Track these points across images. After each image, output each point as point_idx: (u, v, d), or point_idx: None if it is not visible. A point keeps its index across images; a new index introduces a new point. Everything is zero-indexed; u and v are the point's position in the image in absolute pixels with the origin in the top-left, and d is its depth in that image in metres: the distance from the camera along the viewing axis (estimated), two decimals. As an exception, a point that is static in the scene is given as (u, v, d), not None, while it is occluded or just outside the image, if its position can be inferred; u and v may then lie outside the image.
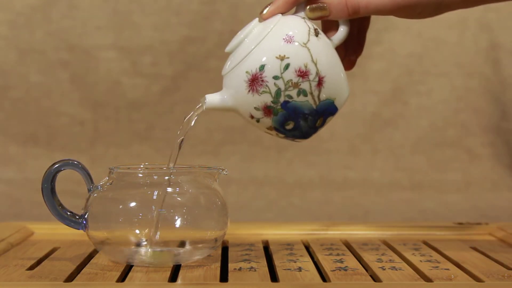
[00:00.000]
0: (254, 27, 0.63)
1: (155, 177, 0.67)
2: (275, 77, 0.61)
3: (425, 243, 0.78)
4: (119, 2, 1.43)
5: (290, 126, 0.64)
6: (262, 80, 0.61)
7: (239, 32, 0.65)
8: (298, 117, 0.63)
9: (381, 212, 1.24)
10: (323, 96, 0.63)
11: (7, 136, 1.40)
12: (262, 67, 0.61)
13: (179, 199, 0.66)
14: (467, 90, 1.45)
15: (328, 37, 0.65)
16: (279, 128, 0.64)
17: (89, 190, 0.67)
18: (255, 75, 0.61)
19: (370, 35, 1.54)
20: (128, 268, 0.65)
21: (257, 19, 0.65)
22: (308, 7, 0.64)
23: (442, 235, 0.83)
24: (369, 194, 1.35)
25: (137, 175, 0.67)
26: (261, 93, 0.61)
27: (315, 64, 0.62)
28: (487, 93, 1.45)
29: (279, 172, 1.40)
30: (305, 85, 0.62)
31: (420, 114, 1.45)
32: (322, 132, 1.43)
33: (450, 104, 1.45)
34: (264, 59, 0.61)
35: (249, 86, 0.61)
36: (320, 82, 0.62)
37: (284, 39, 0.61)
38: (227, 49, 0.64)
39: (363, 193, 1.36)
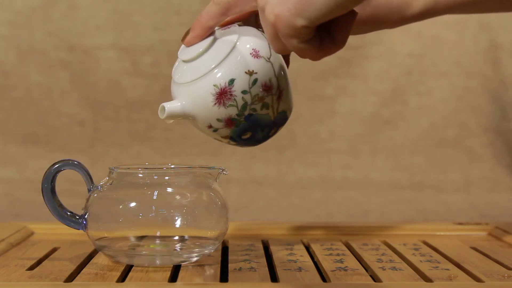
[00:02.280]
0: (215, 36, 0.63)
1: (155, 177, 0.67)
2: (244, 92, 0.62)
3: (425, 243, 0.78)
4: (119, 2, 1.43)
5: (247, 136, 0.65)
6: (231, 94, 0.61)
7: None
8: (257, 128, 0.64)
9: (381, 212, 1.24)
10: (280, 108, 0.64)
11: (7, 136, 1.40)
12: (231, 82, 0.61)
13: (179, 199, 0.66)
14: (467, 90, 1.45)
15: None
16: (235, 138, 0.65)
17: (89, 190, 0.67)
18: (223, 89, 0.61)
19: (370, 35, 1.54)
20: (128, 268, 0.65)
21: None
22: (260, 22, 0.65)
23: (442, 235, 0.83)
24: (369, 194, 1.35)
25: (137, 175, 0.67)
26: (227, 106, 0.62)
27: (277, 79, 0.63)
28: (487, 93, 1.45)
29: (279, 172, 1.40)
30: (268, 99, 0.63)
31: (420, 114, 1.45)
32: (322, 132, 1.45)
33: (450, 104, 1.45)
34: (233, 73, 0.61)
35: (216, 99, 0.62)
36: (280, 96, 0.64)
37: (251, 54, 0.62)
38: (185, 57, 0.63)
39: (363, 193, 1.36)
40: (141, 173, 0.67)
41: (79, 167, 0.66)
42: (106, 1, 1.43)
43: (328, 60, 1.44)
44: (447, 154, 1.43)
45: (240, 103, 0.62)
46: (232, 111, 0.62)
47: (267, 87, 0.62)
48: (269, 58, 0.63)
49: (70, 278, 0.62)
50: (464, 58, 1.45)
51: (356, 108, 1.45)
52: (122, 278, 0.62)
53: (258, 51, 0.62)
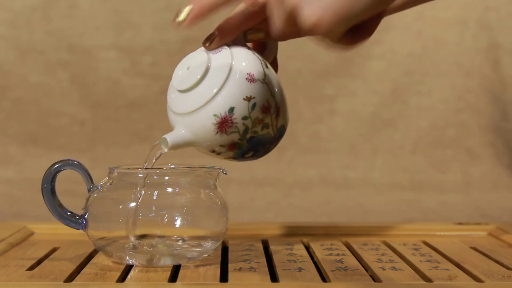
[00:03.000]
0: (208, 63, 0.63)
1: (155, 177, 0.67)
2: (244, 118, 0.62)
3: (425, 243, 0.78)
4: (119, 2, 1.43)
5: (249, 155, 0.65)
6: (232, 122, 0.62)
7: (185, 64, 0.64)
8: (258, 147, 0.65)
9: (381, 212, 1.24)
10: (279, 124, 0.65)
11: (7, 136, 1.40)
12: (231, 110, 0.62)
13: (179, 199, 0.66)
14: (467, 90, 1.45)
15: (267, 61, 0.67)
16: (238, 158, 0.65)
17: (89, 190, 0.67)
18: (224, 118, 0.62)
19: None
20: (128, 268, 0.65)
21: (203, 51, 0.64)
22: (247, 33, 0.65)
23: (442, 235, 0.83)
24: (369, 194, 1.35)
25: (137, 175, 0.67)
26: (229, 134, 0.62)
27: (273, 97, 0.63)
28: (487, 93, 1.45)
29: (279, 172, 1.40)
30: (268, 119, 0.64)
31: (420, 114, 1.45)
32: (322, 132, 1.44)
33: (450, 104, 1.45)
34: (232, 102, 0.62)
35: (218, 128, 0.62)
36: (278, 113, 0.64)
37: (247, 79, 0.62)
38: (181, 87, 0.63)
39: (363, 193, 1.36)
40: (141, 173, 0.67)
41: (79, 167, 0.66)
42: (106, 1, 1.43)
43: (328, 60, 1.44)
44: (447, 154, 1.43)
45: (242, 128, 0.62)
46: (235, 137, 0.63)
47: (265, 109, 0.63)
48: (264, 80, 0.63)
49: (70, 278, 0.62)
50: (464, 58, 1.45)
51: (356, 108, 1.45)
52: (122, 278, 0.62)
53: (253, 74, 0.62)
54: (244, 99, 0.62)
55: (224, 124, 0.62)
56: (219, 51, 0.64)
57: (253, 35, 0.66)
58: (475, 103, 1.45)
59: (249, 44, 0.67)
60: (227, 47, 0.64)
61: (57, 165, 0.66)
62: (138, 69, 1.43)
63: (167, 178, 0.67)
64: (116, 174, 0.67)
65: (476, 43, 1.45)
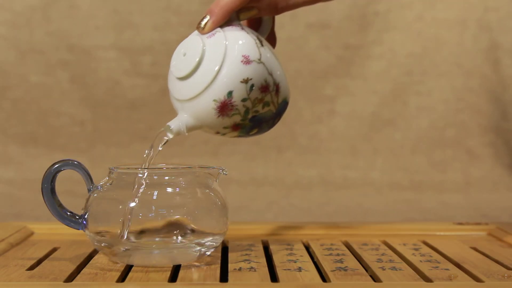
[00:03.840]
0: (204, 48, 0.63)
1: (155, 177, 0.67)
2: (243, 100, 0.63)
3: (425, 243, 0.78)
4: (119, 2, 1.43)
5: (254, 132, 0.67)
6: (232, 105, 0.63)
7: (182, 51, 0.65)
8: (262, 124, 0.66)
9: (381, 212, 1.24)
10: (280, 99, 0.66)
11: (7, 136, 1.40)
12: (230, 94, 0.63)
13: (179, 199, 0.66)
14: (467, 90, 1.45)
15: (263, 37, 0.68)
16: (244, 136, 0.67)
17: (89, 190, 0.67)
18: (223, 102, 0.63)
19: (370, 35, 1.54)
20: (128, 268, 0.65)
21: (197, 36, 0.65)
22: (239, 12, 0.66)
23: (442, 235, 0.83)
24: (369, 194, 1.35)
25: (137, 175, 0.67)
26: (231, 116, 0.64)
27: (271, 75, 0.65)
28: (487, 93, 1.45)
29: (279, 172, 1.40)
30: (267, 97, 0.65)
31: (420, 114, 1.45)
32: (322, 132, 1.44)
33: (450, 104, 1.45)
34: (230, 86, 0.63)
35: (219, 112, 0.63)
36: (277, 89, 0.65)
37: (242, 61, 0.63)
38: (179, 74, 0.64)
39: (363, 193, 1.36)
40: (141, 173, 0.67)
41: (79, 167, 0.66)
42: (106, 1, 1.43)
43: (328, 60, 1.44)
44: (447, 154, 1.43)
45: (242, 110, 0.64)
46: (236, 118, 0.64)
47: (264, 88, 0.64)
48: (259, 60, 0.64)
49: (70, 278, 0.62)
50: (464, 58, 1.45)
51: (356, 108, 1.45)
52: (122, 278, 0.62)
53: (248, 56, 0.63)
54: (241, 81, 0.63)
55: (224, 107, 0.63)
56: (213, 35, 0.64)
57: (245, 14, 0.67)
58: (475, 103, 1.45)
59: (243, 22, 0.68)
60: (220, 30, 0.64)
61: (57, 165, 0.66)
62: (138, 69, 1.43)
63: (167, 178, 0.66)
64: (116, 174, 0.67)
65: (476, 43, 1.45)
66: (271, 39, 0.71)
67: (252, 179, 1.39)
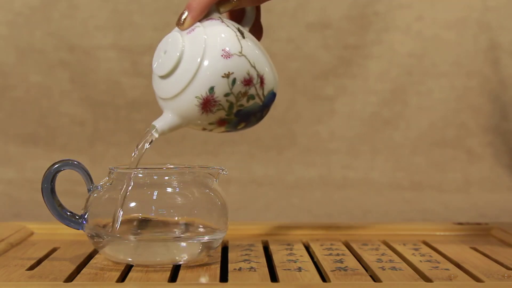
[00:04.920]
0: (183, 45, 0.63)
1: (155, 177, 0.67)
2: (226, 95, 0.62)
3: (425, 243, 0.78)
4: (119, 2, 1.43)
5: (241, 126, 0.66)
6: (215, 101, 0.62)
7: (162, 48, 0.65)
8: (249, 117, 0.65)
9: (381, 212, 1.24)
10: (266, 91, 0.65)
11: (7, 136, 1.40)
12: (211, 90, 0.62)
13: (179, 199, 0.66)
14: (467, 90, 1.45)
15: (245, 28, 0.66)
16: (232, 130, 0.66)
17: (89, 190, 0.67)
18: (206, 98, 0.62)
19: (370, 35, 1.54)
20: (128, 268, 0.64)
21: (177, 32, 0.64)
22: (219, 5, 0.65)
23: (442, 235, 0.83)
24: (369, 194, 1.35)
25: (137, 175, 0.67)
26: (215, 112, 0.63)
27: (255, 68, 0.63)
28: (487, 93, 1.45)
29: (279, 172, 1.40)
30: (252, 90, 0.64)
31: (420, 114, 1.45)
32: (322, 132, 1.44)
33: (450, 104, 1.45)
34: (211, 81, 0.62)
35: (202, 108, 0.63)
36: (262, 81, 0.64)
37: (222, 55, 0.62)
38: (161, 73, 0.64)
39: (363, 193, 1.36)
40: (141, 173, 0.67)
41: (79, 167, 0.66)
42: (106, 1, 1.43)
43: (328, 60, 1.44)
44: (447, 154, 1.43)
45: (226, 105, 0.63)
46: (221, 114, 0.63)
47: (247, 81, 0.63)
48: (240, 52, 0.63)
49: (70, 278, 0.62)
50: (464, 58, 1.45)
51: (356, 108, 1.45)
52: (122, 278, 0.62)
53: (229, 50, 0.62)
54: (222, 76, 0.62)
55: (207, 104, 0.62)
56: (193, 30, 0.64)
57: (225, 6, 0.66)
58: (475, 103, 1.45)
59: (225, 15, 0.67)
60: (200, 25, 0.64)
61: (57, 165, 0.66)
62: (138, 69, 1.43)
63: (167, 178, 0.66)
64: (116, 174, 0.67)
65: (476, 43, 1.45)
66: (256, 30, 0.69)
67: (252, 179, 1.39)
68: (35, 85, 1.42)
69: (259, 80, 0.64)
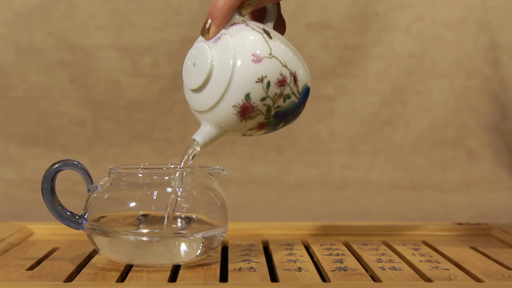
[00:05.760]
0: (212, 55, 0.62)
1: (155, 177, 0.67)
2: (263, 99, 0.62)
3: (425, 243, 0.78)
4: (119, 2, 1.43)
5: (281, 125, 0.66)
6: (252, 107, 0.62)
7: (191, 61, 0.64)
8: (287, 116, 0.65)
9: (381, 212, 1.24)
10: (300, 87, 0.64)
11: (7, 136, 1.40)
12: (247, 96, 0.62)
13: (178, 199, 0.66)
14: (467, 90, 1.45)
15: (267, 26, 0.66)
16: (271, 131, 0.66)
17: (89, 190, 0.67)
18: (243, 106, 0.62)
19: (370, 35, 1.54)
20: (128, 268, 0.65)
21: (203, 43, 0.64)
22: (240, 8, 0.65)
23: (442, 235, 0.83)
24: (369, 194, 1.35)
25: (137, 175, 0.67)
26: (254, 117, 0.63)
27: (286, 67, 0.63)
28: (486, 93, 1.45)
29: (279, 172, 1.40)
30: (287, 90, 0.63)
31: (420, 114, 1.45)
32: (322, 132, 1.44)
33: (450, 104, 1.45)
34: (246, 88, 0.61)
35: (240, 116, 0.62)
36: (295, 79, 0.64)
37: (253, 60, 0.61)
38: (193, 86, 0.63)
39: (363, 193, 1.36)
40: (141, 173, 0.67)
41: (79, 167, 0.66)
42: (106, 1, 1.43)
43: (328, 60, 1.44)
44: (447, 154, 1.43)
45: (264, 109, 0.63)
46: (260, 118, 0.63)
47: (281, 82, 0.63)
48: (270, 54, 0.62)
49: (70, 278, 0.62)
50: (464, 58, 1.45)
51: (356, 108, 1.45)
52: (122, 278, 0.62)
53: (259, 53, 0.62)
54: (256, 81, 0.61)
55: (245, 111, 0.62)
56: (219, 38, 0.63)
57: (247, 8, 0.65)
58: (475, 103, 1.45)
59: (248, 15, 0.66)
60: (225, 32, 0.63)
61: (57, 165, 0.66)
62: (138, 69, 1.43)
63: (167, 178, 0.66)
64: (116, 174, 0.67)
65: (476, 43, 1.45)
66: (279, 25, 0.68)
67: (252, 179, 1.39)
68: (35, 85, 1.42)
69: (292, 78, 0.63)
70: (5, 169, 1.38)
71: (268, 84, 0.62)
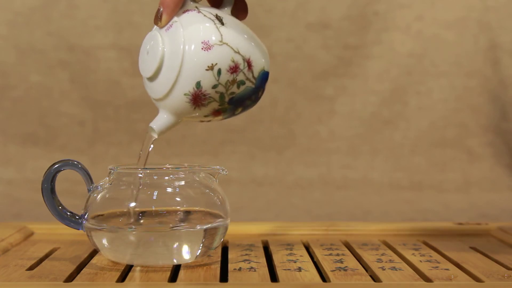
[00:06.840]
0: (163, 43, 0.63)
1: (155, 177, 0.67)
2: (214, 86, 0.62)
3: (425, 243, 0.78)
4: (119, 2, 1.43)
5: (239, 111, 0.65)
6: (204, 95, 0.62)
7: (145, 49, 0.65)
8: (244, 101, 0.64)
9: (381, 212, 1.24)
10: (256, 73, 0.64)
11: (7, 136, 1.40)
12: (198, 84, 0.62)
13: (179, 199, 0.66)
14: (467, 90, 1.45)
15: (223, 11, 0.65)
16: (230, 116, 0.65)
17: (89, 190, 0.67)
18: (194, 93, 0.62)
19: (370, 35, 1.54)
20: (128, 268, 0.65)
21: (156, 31, 0.64)
22: None
23: (442, 235, 0.83)
24: (369, 194, 1.35)
25: (137, 175, 0.67)
26: (207, 105, 0.63)
27: (239, 53, 0.62)
28: (486, 93, 1.45)
29: (279, 172, 1.40)
30: (240, 76, 0.63)
31: (420, 114, 1.45)
32: (322, 132, 1.44)
33: (450, 104, 1.45)
34: (196, 76, 0.61)
35: (193, 104, 0.62)
36: (249, 64, 0.63)
37: (203, 48, 0.61)
38: (147, 75, 0.64)
39: (363, 193, 1.36)
40: (141, 173, 0.67)
41: (79, 167, 0.66)
42: (106, 1, 1.43)
43: (328, 60, 1.44)
44: (447, 154, 1.43)
45: (216, 96, 0.62)
46: (214, 105, 0.63)
47: (233, 68, 0.62)
48: (221, 41, 0.62)
49: (70, 278, 0.62)
50: (464, 58, 1.45)
51: (356, 108, 1.45)
52: (122, 278, 0.62)
53: (208, 41, 0.61)
54: (206, 69, 0.61)
55: (197, 99, 0.62)
56: (171, 26, 0.63)
57: None
58: (475, 103, 1.45)
59: (203, 2, 0.66)
60: (176, 19, 0.63)
61: (57, 165, 0.66)
62: (138, 69, 1.42)
63: (167, 178, 0.67)
64: (115, 174, 0.67)
65: (476, 43, 1.45)
66: (239, 9, 0.66)
67: (252, 179, 1.39)
68: (35, 85, 1.42)
69: (246, 64, 0.63)
70: (5, 169, 1.38)
71: (219, 71, 0.61)
